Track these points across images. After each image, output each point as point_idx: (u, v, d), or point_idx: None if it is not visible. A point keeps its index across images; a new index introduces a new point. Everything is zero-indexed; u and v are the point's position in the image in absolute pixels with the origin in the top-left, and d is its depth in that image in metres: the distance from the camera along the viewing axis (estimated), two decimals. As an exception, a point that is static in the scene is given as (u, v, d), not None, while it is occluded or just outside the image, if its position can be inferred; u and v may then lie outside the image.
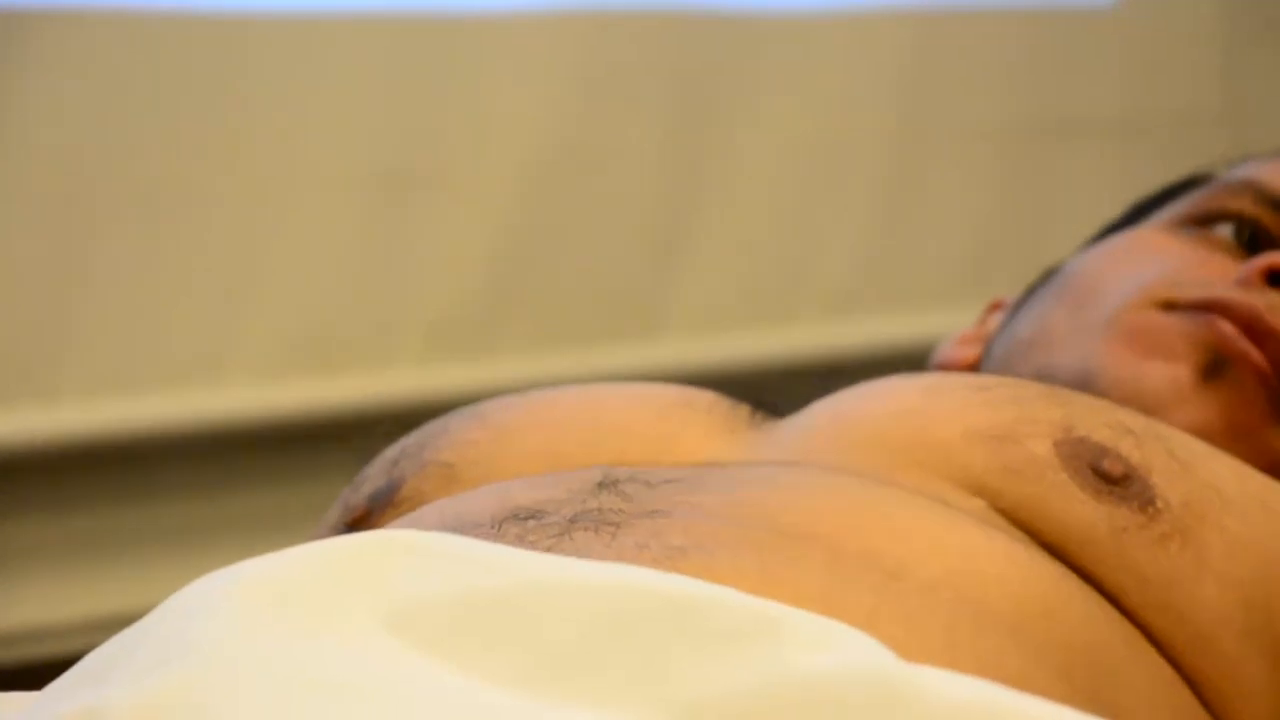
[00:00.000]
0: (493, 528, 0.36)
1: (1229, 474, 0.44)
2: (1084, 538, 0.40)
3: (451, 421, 0.51)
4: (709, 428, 0.48)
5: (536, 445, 0.48)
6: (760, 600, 0.29)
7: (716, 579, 0.30)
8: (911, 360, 0.58)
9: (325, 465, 0.73)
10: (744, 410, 0.49)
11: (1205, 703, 0.39)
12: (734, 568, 0.33)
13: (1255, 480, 0.45)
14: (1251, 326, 0.49)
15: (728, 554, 0.34)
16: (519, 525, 0.36)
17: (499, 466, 0.45)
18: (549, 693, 0.26)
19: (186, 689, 0.25)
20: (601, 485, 0.38)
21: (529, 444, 0.48)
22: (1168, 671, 0.39)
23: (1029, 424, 0.43)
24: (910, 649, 0.28)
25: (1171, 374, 0.50)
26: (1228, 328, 0.49)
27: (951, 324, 0.62)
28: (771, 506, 0.38)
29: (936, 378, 0.55)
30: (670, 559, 0.33)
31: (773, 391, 0.49)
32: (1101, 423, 0.44)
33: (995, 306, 0.61)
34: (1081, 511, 0.40)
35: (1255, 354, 0.49)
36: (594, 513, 0.36)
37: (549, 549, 0.33)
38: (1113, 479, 0.42)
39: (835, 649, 0.27)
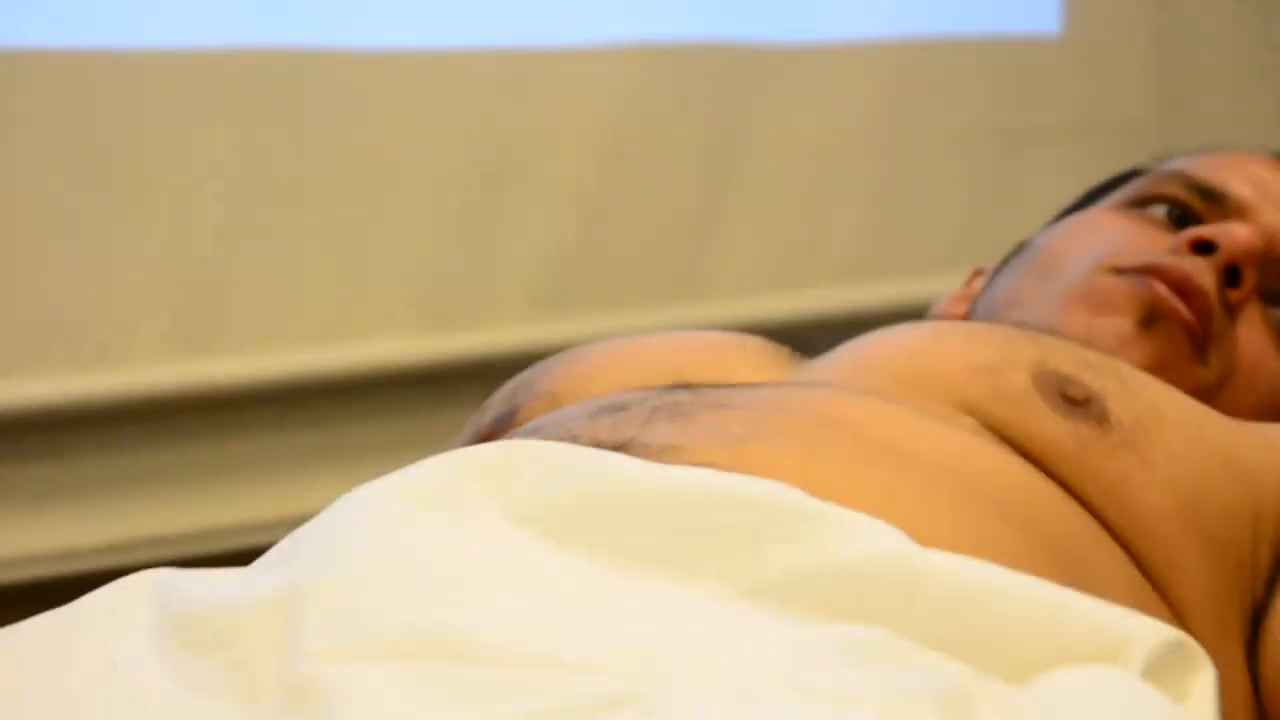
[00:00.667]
0: (589, 417, 0.44)
1: (1167, 399, 0.52)
2: (1055, 448, 0.47)
3: (554, 361, 0.60)
4: (757, 363, 0.57)
5: (620, 375, 0.55)
6: (806, 498, 0.35)
7: (769, 462, 0.38)
8: (912, 317, 0.69)
9: (444, 404, 0.91)
10: (784, 351, 0.59)
11: (1153, 583, 0.46)
12: (784, 452, 0.41)
13: (1187, 404, 0.52)
14: (1181, 286, 0.57)
15: (778, 441, 0.42)
16: (611, 415, 0.44)
17: (592, 392, 0.52)
18: (643, 574, 0.33)
19: (357, 571, 0.33)
20: (675, 387, 0.46)
21: (614, 374, 0.56)
22: (1122, 556, 0.46)
23: (1011, 359, 0.51)
24: (924, 526, 0.35)
25: (1117, 325, 0.58)
26: (1162, 288, 0.57)
27: (941, 288, 0.73)
28: (809, 404, 0.46)
29: (938, 324, 0.65)
30: (733, 445, 0.41)
31: (797, 345, 0.59)
32: (1067, 358, 0.51)
33: (978, 273, 0.70)
34: (1052, 427, 0.48)
35: (1183, 308, 0.57)
36: (670, 405, 0.44)
37: (636, 433, 0.41)
38: (1076, 401, 0.49)
39: (866, 539, 0.33)
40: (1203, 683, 0.36)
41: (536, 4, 1.03)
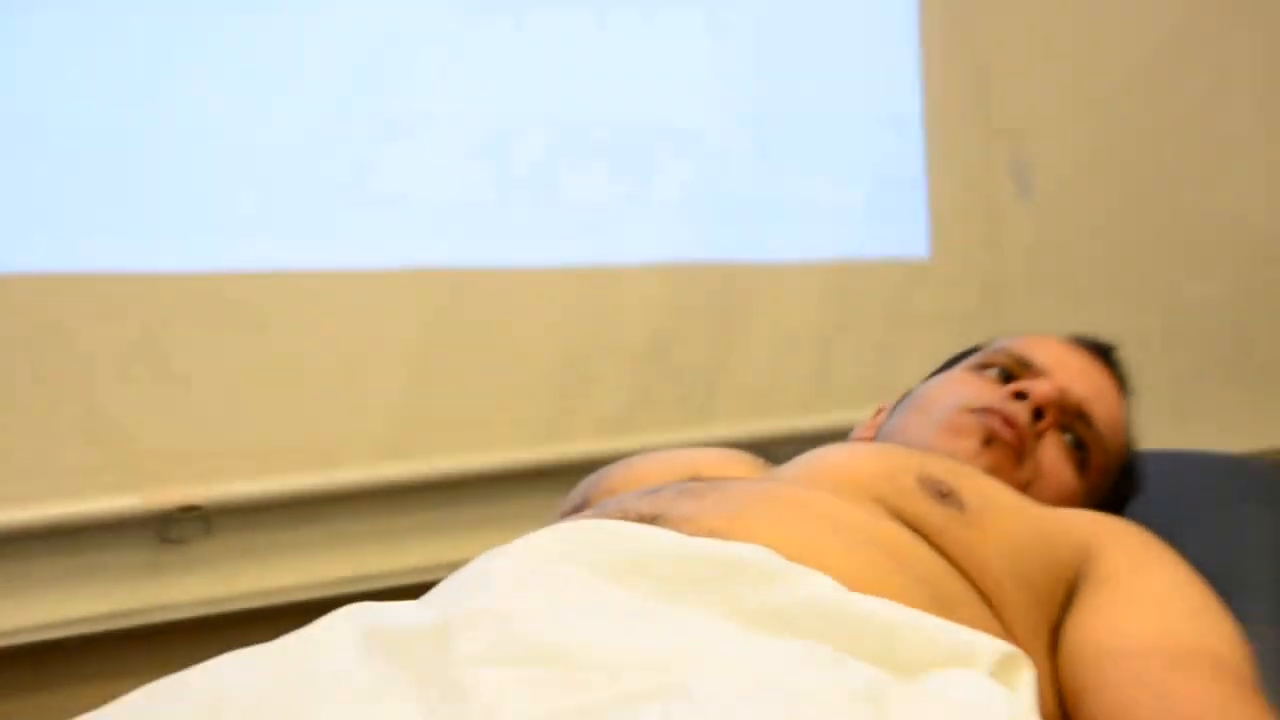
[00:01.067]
0: (636, 498, 0.63)
1: (999, 492, 0.69)
2: (930, 525, 0.64)
3: (612, 467, 0.83)
4: (743, 467, 0.79)
5: (657, 472, 0.77)
6: (776, 557, 0.51)
7: (753, 528, 0.55)
8: (841, 436, 0.96)
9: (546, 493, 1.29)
10: (760, 460, 0.81)
11: (993, 611, 0.62)
12: (763, 522, 0.57)
13: (1011, 495, 0.70)
14: (1007, 421, 0.76)
15: (759, 514, 0.58)
16: (650, 496, 0.62)
17: (640, 484, 0.71)
18: (671, 604, 0.48)
19: (493, 605, 0.48)
20: (692, 479, 0.66)
21: (653, 472, 0.77)
22: (974, 594, 0.61)
23: (903, 468, 0.68)
24: (850, 572, 0.52)
25: (968, 445, 0.76)
26: (995, 421, 0.76)
27: (858, 417, 0.99)
28: (779, 492, 0.64)
29: (855, 445, 0.84)
30: (730, 517, 0.57)
31: (769, 456, 0.83)
32: (938, 467, 0.68)
33: (881, 409, 0.92)
34: (928, 510, 0.64)
35: (1008, 434, 0.76)
36: (689, 489, 0.62)
37: (665, 508, 0.59)
38: (943, 494, 0.65)
39: (813, 586, 0.49)
40: (1026, 677, 0.49)
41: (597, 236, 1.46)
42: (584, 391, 1.42)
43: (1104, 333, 0.92)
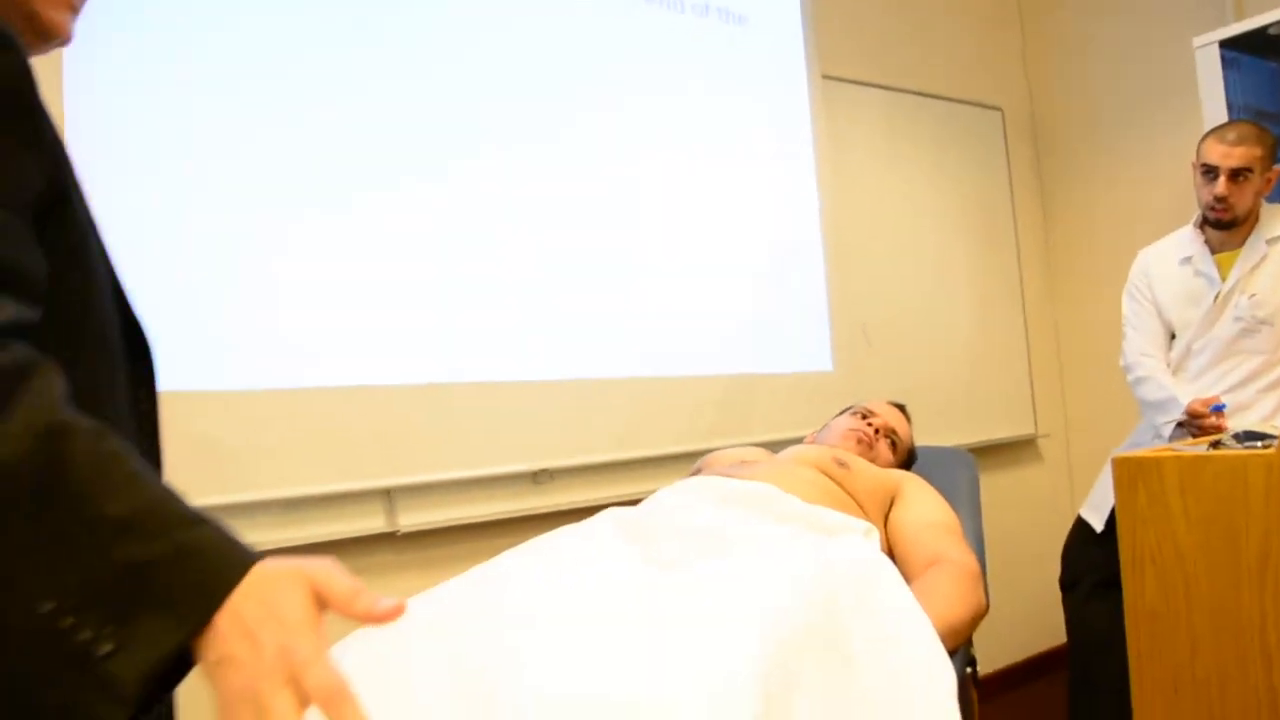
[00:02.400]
0: (726, 468, 1.85)
1: (864, 464, 1.90)
2: (837, 477, 1.79)
3: (708, 454, 2.28)
4: (763, 454, 2.15)
5: (729, 458, 2.15)
6: (773, 488, 1.57)
7: (766, 479, 1.66)
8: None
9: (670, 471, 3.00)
10: (769, 451, 2.24)
11: (863, 511, 1.74)
12: (770, 476, 1.68)
13: (869, 465, 1.92)
14: (865, 434, 2.09)
15: (768, 474, 1.69)
16: (728, 468, 1.86)
17: (722, 464, 2.05)
18: (729, 508, 1.49)
19: (663, 505, 1.59)
20: (742, 462, 1.95)
21: (727, 458, 2.15)
22: (856, 507, 1.73)
23: (827, 454, 1.88)
24: (808, 497, 1.59)
25: (852, 445, 2.04)
26: (861, 434, 2.09)
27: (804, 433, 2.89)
28: (776, 466, 1.78)
29: (807, 445, 2.06)
30: (756, 475, 1.70)
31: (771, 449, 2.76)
32: (840, 454, 1.90)
33: (813, 433, 2.33)
34: (836, 471, 1.80)
35: (867, 439, 2.07)
36: (742, 466, 1.84)
37: (733, 471, 1.76)
38: (841, 464, 1.84)
39: (789, 502, 1.54)
40: (877, 536, 1.50)
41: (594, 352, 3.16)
42: (688, 426, 3.10)
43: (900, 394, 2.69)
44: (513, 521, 2.71)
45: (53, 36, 1.07)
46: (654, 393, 2.98)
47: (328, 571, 0.67)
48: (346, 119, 2.48)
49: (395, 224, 2.54)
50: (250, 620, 0.62)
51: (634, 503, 2.04)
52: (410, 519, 2.56)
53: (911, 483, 1.80)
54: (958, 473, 2.11)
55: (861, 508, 1.67)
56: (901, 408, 2.27)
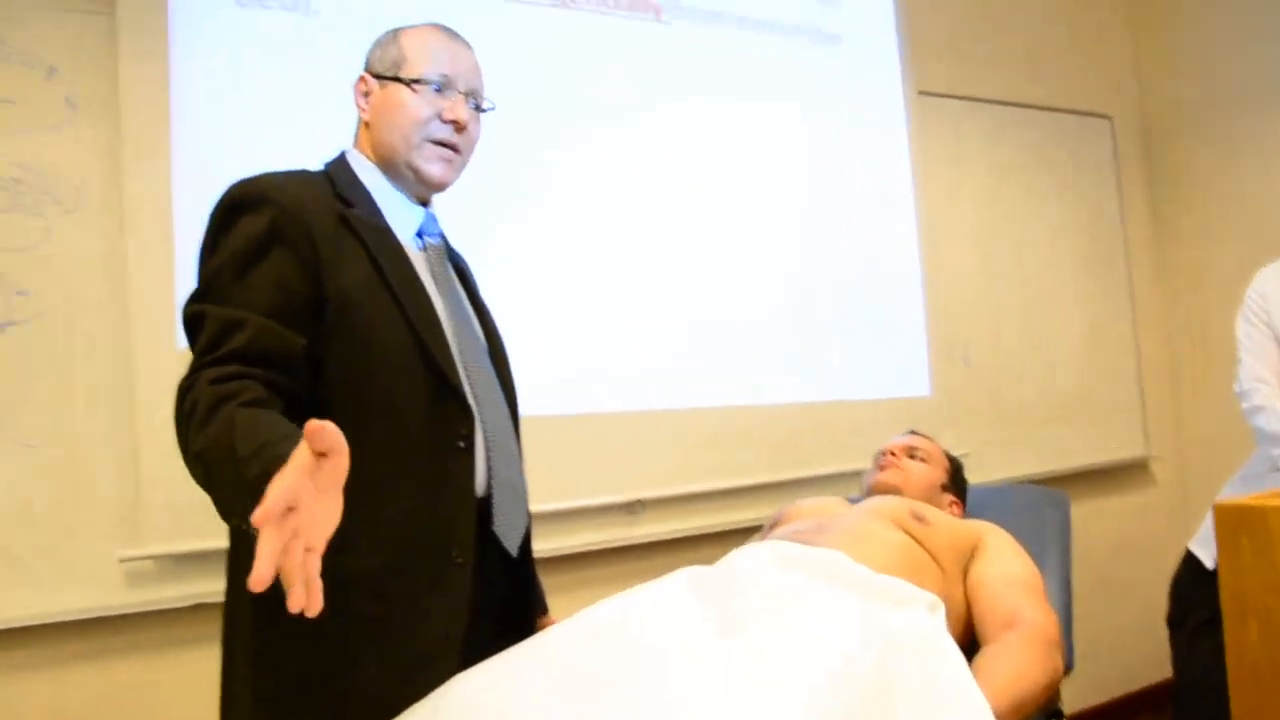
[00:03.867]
0: (794, 529, 1.76)
1: (942, 516, 1.81)
2: (914, 532, 1.71)
3: (785, 506, 2.06)
4: (840, 505, 2.01)
5: (805, 511, 1.97)
6: (839, 554, 1.48)
7: (835, 543, 1.58)
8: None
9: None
10: (846, 499, 2.13)
11: (940, 569, 1.64)
12: (838, 540, 1.59)
13: (947, 517, 1.81)
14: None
15: (837, 536, 1.62)
16: (795, 528, 1.75)
17: (792, 518, 1.95)
18: (793, 570, 1.43)
19: (734, 567, 1.46)
20: (817, 515, 1.88)
21: (803, 511, 1.97)
22: (933, 564, 1.65)
23: (903, 506, 1.80)
24: (877, 561, 1.50)
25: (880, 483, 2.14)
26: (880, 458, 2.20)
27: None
28: (849, 525, 1.69)
29: (881, 497, 1.91)
30: (827, 537, 1.62)
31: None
32: (916, 506, 1.81)
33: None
34: (913, 526, 1.72)
35: (889, 459, 2.12)
36: (813, 525, 1.74)
37: (802, 534, 1.66)
38: (919, 518, 1.75)
39: (855, 568, 1.45)
40: (941, 611, 1.32)
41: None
42: (782, 454, 3.10)
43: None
44: (607, 552, 2.76)
45: (434, 187, 1.47)
46: (747, 421, 3.00)
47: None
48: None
49: (492, 256, 2.61)
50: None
51: (728, 534, 2.08)
52: (506, 550, 2.62)
53: (992, 536, 1.74)
54: (1046, 514, 2.05)
55: (939, 563, 1.64)
56: (915, 432, 2.24)
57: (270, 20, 2.45)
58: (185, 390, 1.16)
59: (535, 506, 2.57)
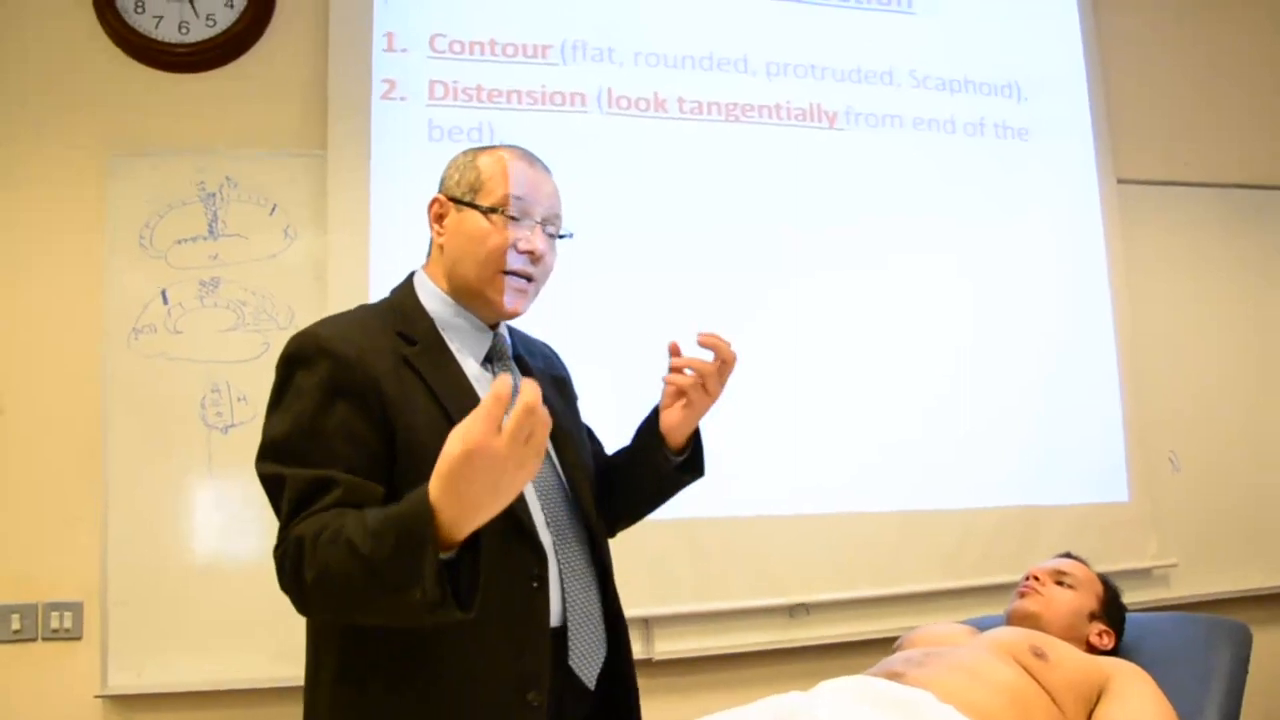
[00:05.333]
0: (902, 659, 1.69)
1: (1066, 650, 1.70)
2: (1033, 668, 1.63)
3: (911, 632, 2.04)
4: (964, 635, 1.92)
5: (926, 639, 1.93)
6: (929, 696, 1.46)
7: (932, 681, 1.54)
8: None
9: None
10: (973, 629, 1.99)
11: (1060, 710, 1.57)
12: (937, 676, 1.55)
13: (1071, 650, 1.71)
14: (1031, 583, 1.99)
15: (938, 673, 1.57)
16: (905, 659, 1.69)
17: (919, 644, 1.89)
18: (882, 712, 1.42)
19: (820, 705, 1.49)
20: (934, 646, 1.80)
21: (924, 638, 1.93)
22: (1051, 705, 1.57)
23: (1023, 639, 1.70)
24: (975, 705, 1.48)
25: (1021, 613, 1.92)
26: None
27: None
28: (956, 660, 1.62)
29: (1005, 628, 1.83)
30: (926, 673, 1.58)
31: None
32: (1038, 638, 1.71)
33: None
34: (1032, 663, 1.64)
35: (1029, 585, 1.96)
36: (920, 658, 1.66)
37: (907, 666, 1.62)
38: (1039, 654, 1.65)
39: (942, 713, 1.41)
40: None
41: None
42: (955, 561, 3.00)
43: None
44: (768, 654, 2.78)
45: (506, 317, 1.45)
46: (919, 526, 2.94)
47: (459, 435, 1.02)
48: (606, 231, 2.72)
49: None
50: (447, 491, 1.03)
51: (891, 640, 2.05)
52: (666, 646, 2.70)
53: (1125, 677, 1.62)
54: (1217, 650, 1.79)
55: (1058, 704, 1.56)
56: (1071, 556, 2.09)
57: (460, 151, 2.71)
58: (284, 554, 1.20)
59: (701, 605, 2.68)
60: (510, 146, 1.45)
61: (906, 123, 3.18)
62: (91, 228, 2.60)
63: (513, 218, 1.38)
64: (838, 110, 3.11)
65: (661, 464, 1.51)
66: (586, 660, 1.38)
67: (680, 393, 1.45)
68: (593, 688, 1.39)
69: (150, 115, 2.68)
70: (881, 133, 3.14)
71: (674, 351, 1.43)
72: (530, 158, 1.45)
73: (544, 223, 1.41)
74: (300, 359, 1.28)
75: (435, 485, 1.04)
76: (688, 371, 1.43)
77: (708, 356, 1.44)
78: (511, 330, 1.55)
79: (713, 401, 1.46)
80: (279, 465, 1.24)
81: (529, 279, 1.40)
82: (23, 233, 2.60)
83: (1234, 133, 3.63)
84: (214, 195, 2.63)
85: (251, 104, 2.73)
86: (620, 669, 1.47)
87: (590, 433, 1.65)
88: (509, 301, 1.39)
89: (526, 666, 1.29)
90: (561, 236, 1.46)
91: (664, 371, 1.47)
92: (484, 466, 1.00)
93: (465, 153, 1.46)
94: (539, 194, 1.41)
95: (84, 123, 2.65)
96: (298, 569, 1.16)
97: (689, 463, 1.53)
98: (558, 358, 1.67)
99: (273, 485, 1.26)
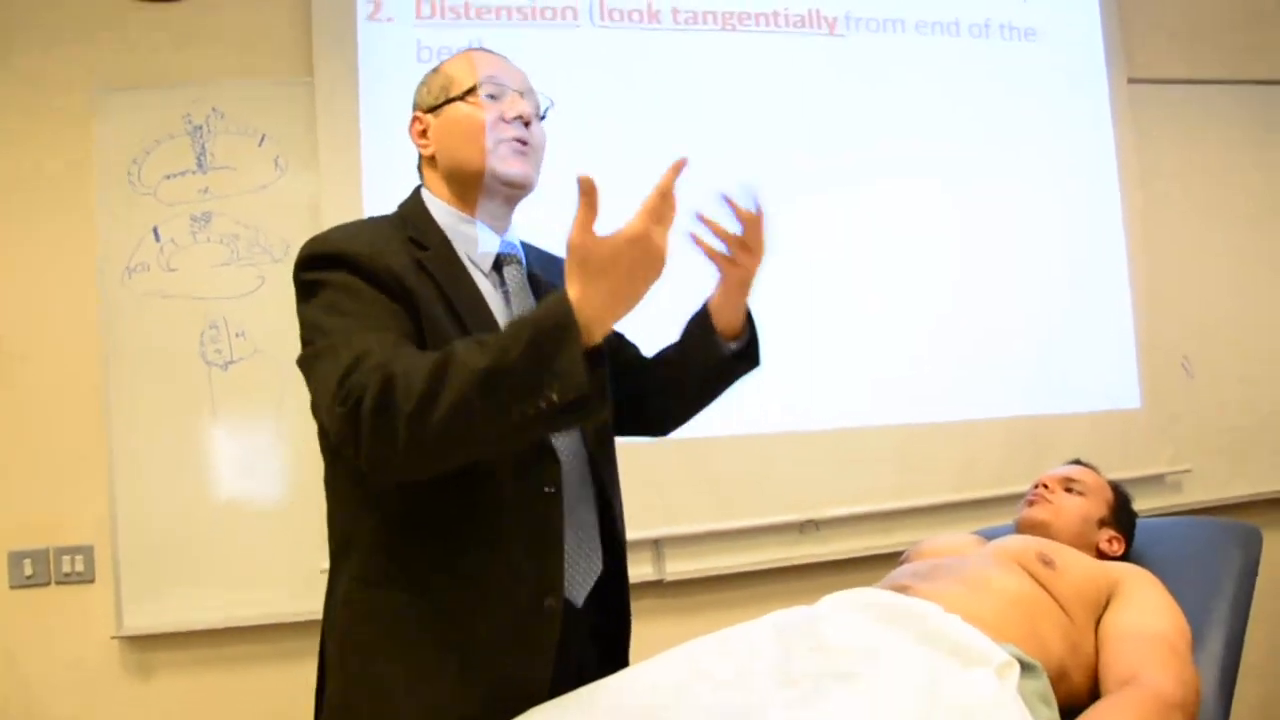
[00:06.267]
0: (908, 573, 1.63)
1: (1074, 556, 1.65)
2: (1040, 576, 1.57)
3: (917, 542, 1.98)
4: (972, 544, 1.86)
5: (934, 550, 1.87)
6: (933, 606, 1.37)
7: (936, 593, 1.47)
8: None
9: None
10: (981, 538, 1.93)
11: (1067, 616, 1.51)
12: (941, 589, 1.49)
13: (1078, 556, 1.66)
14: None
15: (942, 586, 1.50)
16: (910, 573, 1.61)
17: (927, 556, 1.84)
18: (880, 625, 1.36)
19: (819, 615, 1.41)
20: (931, 567, 1.64)
21: (933, 549, 1.88)
22: (1059, 612, 1.51)
23: (1030, 546, 1.66)
24: (977, 613, 1.39)
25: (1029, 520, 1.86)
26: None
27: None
28: (961, 571, 1.57)
29: (1012, 536, 1.81)
30: (931, 586, 1.51)
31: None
32: (1045, 546, 1.66)
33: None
34: (1039, 570, 1.58)
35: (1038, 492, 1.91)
36: (925, 571, 1.60)
37: (911, 579, 1.55)
38: (1046, 561, 1.60)
39: (941, 619, 1.34)
40: (1013, 674, 1.21)
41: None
42: (966, 474, 2.98)
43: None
44: (779, 571, 2.78)
45: (518, 187, 1.41)
46: (929, 438, 2.92)
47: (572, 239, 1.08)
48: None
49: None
50: (588, 285, 1.08)
51: (898, 555, 2.04)
52: (677, 567, 2.70)
53: (1133, 581, 1.59)
54: (1226, 554, 1.75)
55: (1065, 610, 1.53)
56: (1079, 462, 2.05)
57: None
58: (352, 400, 1.11)
59: (712, 525, 2.67)
60: (469, 47, 1.48)
61: (909, 27, 3.08)
62: (80, 166, 2.55)
63: (491, 96, 1.38)
64: (837, 16, 3.01)
65: (711, 352, 1.46)
66: (577, 579, 1.38)
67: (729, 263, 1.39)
68: (579, 606, 1.37)
69: (133, 48, 2.61)
70: (882, 38, 3.05)
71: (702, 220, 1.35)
72: (489, 50, 1.47)
73: (522, 94, 1.42)
74: (317, 259, 1.28)
75: (574, 284, 1.07)
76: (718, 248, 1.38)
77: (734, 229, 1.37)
78: (528, 247, 1.52)
79: (756, 263, 1.39)
80: (321, 343, 1.20)
81: (525, 143, 1.39)
82: (11, 176, 2.55)
83: (1257, 23, 3.48)
84: (201, 128, 2.57)
85: (235, 32, 2.66)
86: (613, 593, 1.46)
87: (621, 337, 1.62)
88: (518, 167, 1.38)
89: (543, 571, 1.30)
90: (543, 116, 1.45)
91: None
92: (631, 255, 1.06)
93: (429, 71, 1.48)
94: (510, 72, 1.43)
95: (67, 58, 2.58)
96: (388, 404, 1.08)
97: (744, 352, 1.48)
98: None
99: (315, 360, 1.20)
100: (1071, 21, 3.24)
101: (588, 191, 1.04)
